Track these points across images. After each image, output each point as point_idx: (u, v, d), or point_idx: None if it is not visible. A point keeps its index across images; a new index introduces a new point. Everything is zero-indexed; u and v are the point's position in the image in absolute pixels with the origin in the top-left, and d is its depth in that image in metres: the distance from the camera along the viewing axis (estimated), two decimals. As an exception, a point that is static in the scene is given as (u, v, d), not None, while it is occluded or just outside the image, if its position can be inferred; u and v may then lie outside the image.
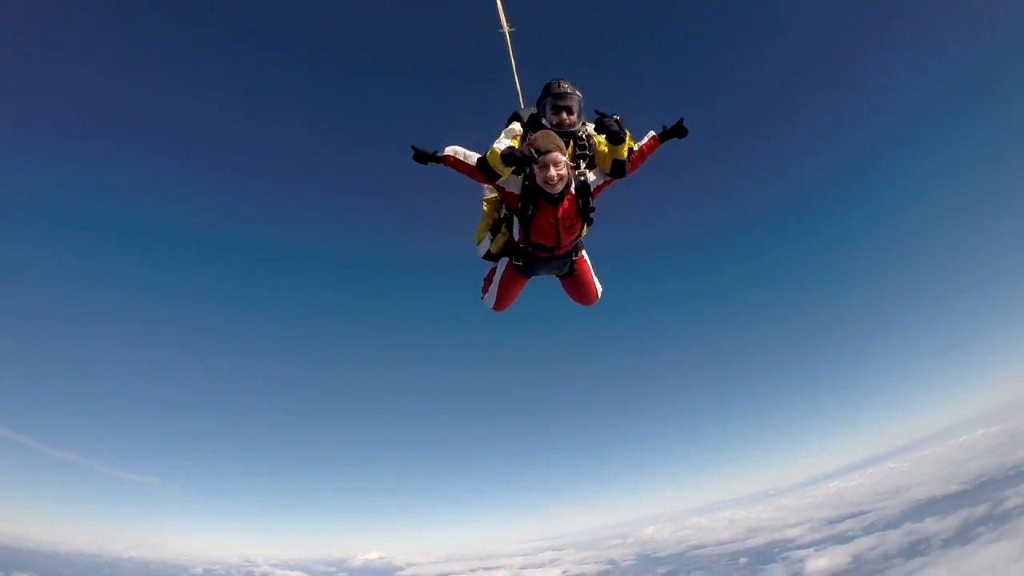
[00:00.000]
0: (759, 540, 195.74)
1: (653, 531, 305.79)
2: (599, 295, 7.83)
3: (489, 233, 7.54)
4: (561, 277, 7.65)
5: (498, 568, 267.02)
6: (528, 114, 7.25)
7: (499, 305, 7.75)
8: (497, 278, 7.56)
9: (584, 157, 6.81)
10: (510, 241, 7.24)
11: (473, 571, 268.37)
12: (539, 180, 6.45)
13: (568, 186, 6.60)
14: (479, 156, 6.68)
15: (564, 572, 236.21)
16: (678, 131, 6.79)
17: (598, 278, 7.77)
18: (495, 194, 7.40)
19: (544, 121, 6.94)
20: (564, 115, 6.85)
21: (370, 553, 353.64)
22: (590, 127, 7.06)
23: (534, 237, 6.92)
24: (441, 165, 6.76)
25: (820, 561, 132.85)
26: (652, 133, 6.91)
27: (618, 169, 6.71)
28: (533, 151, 6.39)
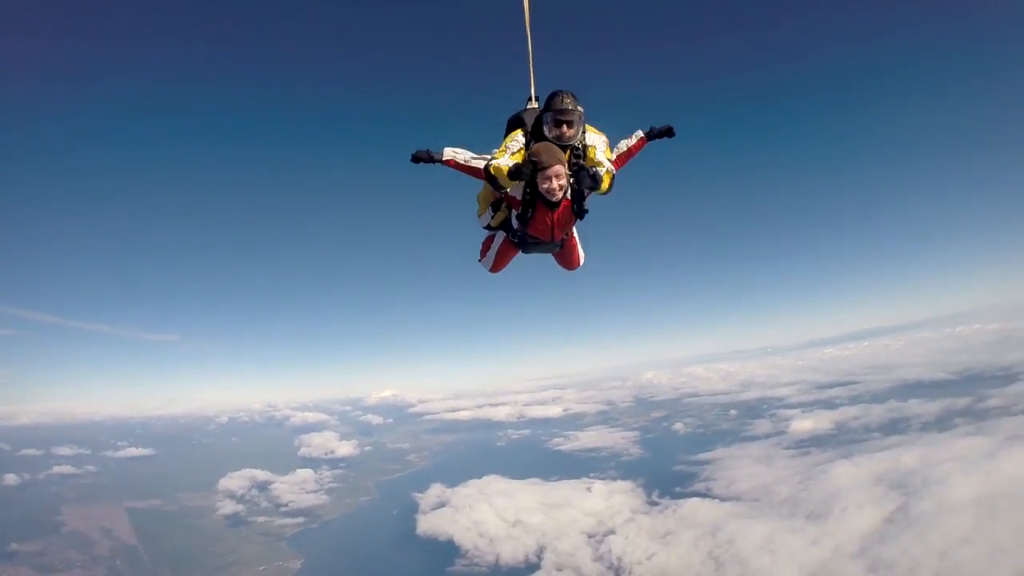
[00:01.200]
0: (750, 395, 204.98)
1: (651, 376, 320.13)
2: (582, 263, 8.62)
3: (490, 208, 8.06)
4: None
5: (503, 404, 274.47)
6: (531, 118, 7.62)
7: (495, 268, 8.58)
8: (495, 247, 8.35)
9: (579, 167, 7.19)
10: (508, 221, 7.91)
11: (480, 407, 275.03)
12: (540, 189, 7.04)
13: (565, 192, 7.16)
14: (485, 164, 7.27)
15: (565, 410, 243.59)
16: (666, 133, 7.70)
17: (583, 248, 8.53)
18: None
19: (545, 131, 7.27)
20: (564, 128, 7.14)
21: (384, 392, 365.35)
22: (588, 136, 7.45)
23: (531, 232, 7.65)
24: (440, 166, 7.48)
25: (804, 423, 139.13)
26: (640, 133, 7.75)
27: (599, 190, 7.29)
28: (536, 164, 6.92)
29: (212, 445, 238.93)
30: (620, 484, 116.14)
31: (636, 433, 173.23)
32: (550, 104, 7.20)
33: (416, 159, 7.52)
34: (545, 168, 6.91)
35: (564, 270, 8.82)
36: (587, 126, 7.50)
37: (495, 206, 8.00)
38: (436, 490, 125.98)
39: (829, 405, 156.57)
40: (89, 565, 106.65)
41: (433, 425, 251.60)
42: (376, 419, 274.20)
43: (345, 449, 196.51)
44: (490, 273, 8.70)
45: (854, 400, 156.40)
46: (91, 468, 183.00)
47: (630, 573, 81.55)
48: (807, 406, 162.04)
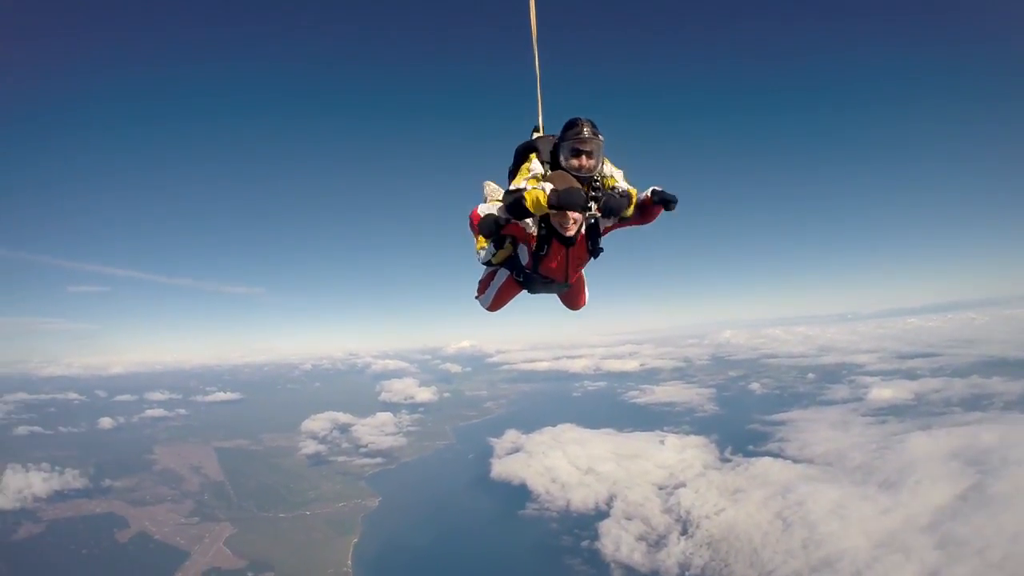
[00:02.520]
0: (829, 359, 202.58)
1: (729, 336, 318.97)
2: (586, 304, 8.45)
3: (491, 243, 7.40)
4: None
5: (580, 357, 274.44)
6: (545, 146, 7.22)
7: (494, 307, 8.00)
8: (496, 285, 7.76)
9: (596, 199, 6.78)
10: (514, 259, 7.41)
11: (557, 359, 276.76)
12: (555, 224, 6.69)
13: (580, 228, 6.81)
14: (515, 195, 6.68)
15: (642, 364, 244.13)
16: (668, 204, 6.90)
17: (589, 289, 8.32)
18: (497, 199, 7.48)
19: (562, 160, 6.90)
20: (584, 159, 6.77)
21: (462, 342, 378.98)
22: (606, 166, 7.07)
23: (543, 271, 7.20)
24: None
25: (884, 391, 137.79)
26: (646, 194, 6.96)
27: (623, 221, 7.10)
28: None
29: (296, 390, 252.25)
30: (693, 439, 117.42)
31: (712, 390, 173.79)
32: (568, 133, 6.91)
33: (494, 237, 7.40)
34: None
35: (568, 308, 8.63)
36: (605, 159, 7.21)
37: (497, 242, 7.39)
38: (511, 436, 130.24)
39: (910, 375, 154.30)
40: (179, 499, 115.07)
41: (510, 375, 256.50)
42: (455, 368, 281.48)
43: (424, 395, 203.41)
44: (488, 311, 8.20)
45: (935, 372, 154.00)
46: (181, 411, 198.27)
47: (697, 527, 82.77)
48: (887, 375, 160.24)
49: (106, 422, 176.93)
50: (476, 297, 8.20)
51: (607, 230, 7.16)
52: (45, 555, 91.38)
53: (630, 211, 6.93)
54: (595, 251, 7.20)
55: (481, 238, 7.43)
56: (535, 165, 7.12)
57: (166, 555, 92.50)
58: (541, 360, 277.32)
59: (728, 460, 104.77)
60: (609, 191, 6.89)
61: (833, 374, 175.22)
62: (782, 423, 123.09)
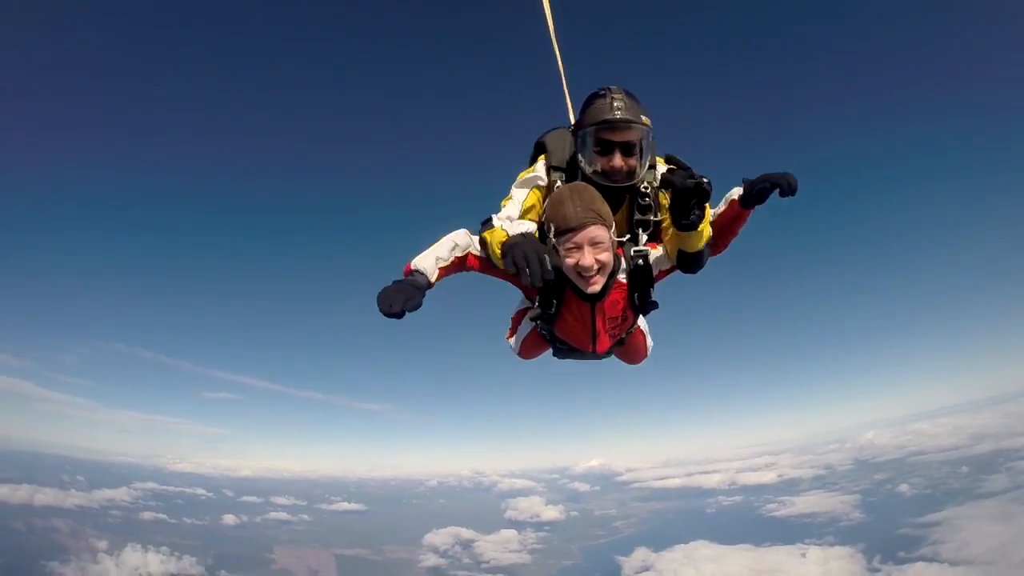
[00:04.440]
0: (983, 448, 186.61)
1: (872, 436, 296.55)
2: (649, 354, 5.61)
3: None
4: None
5: (714, 472, 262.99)
6: (558, 143, 4.74)
7: (524, 356, 5.60)
8: (522, 333, 5.38)
9: (646, 224, 4.43)
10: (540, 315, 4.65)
11: (690, 475, 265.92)
12: (563, 268, 3.99)
13: (615, 273, 4.25)
14: (478, 239, 4.35)
15: (780, 475, 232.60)
16: (770, 189, 4.17)
17: (651, 335, 5.51)
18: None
19: (582, 163, 4.39)
20: (618, 157, 4.20)
21: (591, 461, 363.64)
22: (660, 169, 4.35)
23: (561, 335, 4.81)
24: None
25: None
26: (734, 195, 4.41)
27: (688, 263, 4.30)
28: (553, 225, 3.94)
29: (421, 505, 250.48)
30: (838, 550, 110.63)
31: (857, 497, 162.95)
32: (590, 110, 4.27)
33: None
34: (570, 231, 3.86)
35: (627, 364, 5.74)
36: (654, 153, 4.48)
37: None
38: (640, 554, 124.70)
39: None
40: None
41: (641, 493, 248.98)
42: (583, 487, 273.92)
43: (551, 514, 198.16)
44: (518, 358, 5.67)
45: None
46: (305, 517, 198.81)
47: None
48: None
49: (230, 519, 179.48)
50: (506, 339, 5.72)
51: (663, 274, 4.49)
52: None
53: (703, 238, 4.10)
54: (644, 306, 4.54)
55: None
56: (538, 170, 4.65)
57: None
58: (673, 477, 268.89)
59: (877, 570, 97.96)
60: (683, 188, 3.77)
61: (988, 464, 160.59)
62: (936, 524, 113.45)
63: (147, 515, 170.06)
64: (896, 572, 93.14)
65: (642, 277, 4.33)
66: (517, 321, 5.50)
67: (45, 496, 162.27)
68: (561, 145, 4.64)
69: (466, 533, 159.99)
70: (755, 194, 4.15)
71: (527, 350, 5.52)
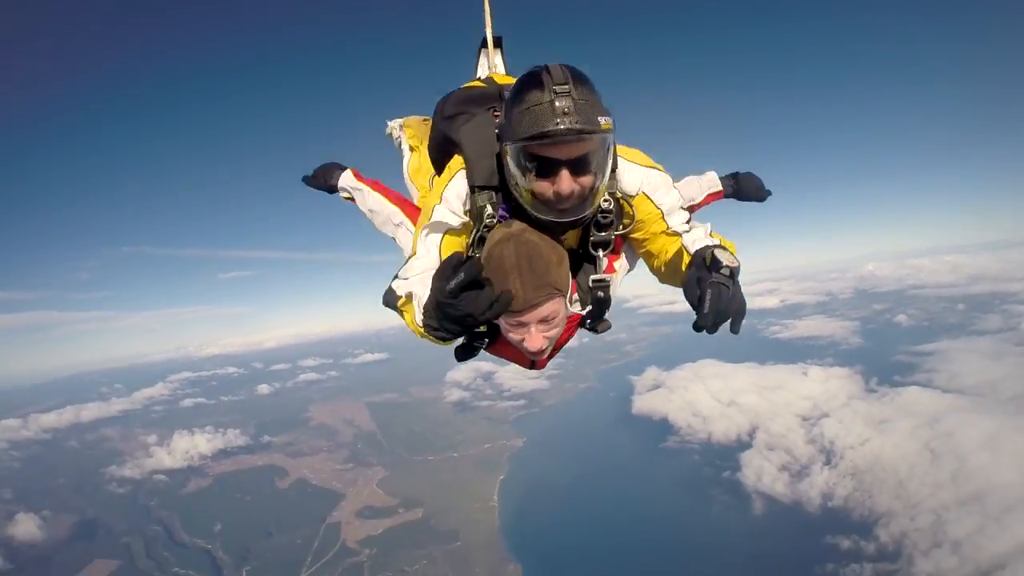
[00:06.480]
0: (980, 288, 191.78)
1: (873, 268, 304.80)
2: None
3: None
4: None
5: None
6: (477, 138, 3.30)
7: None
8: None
9: (606, 244, 3.36)
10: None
11: None
12: (507, 338, 3.25)
13: (558, 334, 3.28)
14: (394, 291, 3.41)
15: (782, 301, 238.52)
16: (756, 194, 4.46)
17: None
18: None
19: (514, 183, 3.01)
20: (565, 179, 2.82)
21: None
22: (628, 174, 3.28)
23: (495, 354, 3.85)
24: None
25: None
26: (714, 182, 4.49)
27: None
28: (494, 308, 2.67)
29: (440, 347, 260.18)
30: (837, 370, 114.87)
31: (856, 323, 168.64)
32: (522, 111, 2.76)
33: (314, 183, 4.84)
34: (517, 312, 2.98)
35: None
36: (622, 151, 3.32)
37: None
38: (651, 374, 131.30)
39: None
40: (333, 449, 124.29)
41: (650, 318, 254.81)
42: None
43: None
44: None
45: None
46: (333, 373, 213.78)
47: (841, 457, 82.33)
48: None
49: (264, 388, 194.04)
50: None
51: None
52: (213, 504, 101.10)
53: (733, 257, 2.89)
54: (595, 326, 3.76)
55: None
56: (449, 197, 3.25)
57: (324, 497, 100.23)
58: (680, 301, 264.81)
59: (874, 391, 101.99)
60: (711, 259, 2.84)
61: (985, 303, 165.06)
62: (930, 354, 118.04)
63: (187, 403, 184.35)
64: (891, 394, 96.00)
65: (600, 306, 3.56)
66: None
67: (90, 411, 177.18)
68: (488, 148, 3.20)
69: (486, 366, 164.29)
70: (745, 189, 4.45)
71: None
